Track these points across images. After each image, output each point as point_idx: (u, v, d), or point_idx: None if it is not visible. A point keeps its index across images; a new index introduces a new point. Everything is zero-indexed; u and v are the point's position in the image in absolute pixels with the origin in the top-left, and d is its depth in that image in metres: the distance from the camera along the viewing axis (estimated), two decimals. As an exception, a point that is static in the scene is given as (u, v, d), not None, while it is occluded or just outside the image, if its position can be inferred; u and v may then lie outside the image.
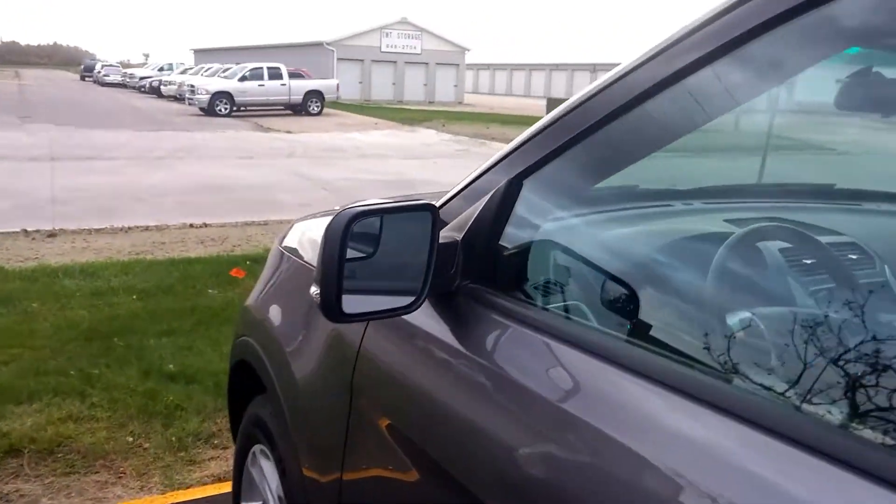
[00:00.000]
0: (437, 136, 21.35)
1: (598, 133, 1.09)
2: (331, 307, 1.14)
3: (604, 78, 1.09)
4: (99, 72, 53.29)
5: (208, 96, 25.89)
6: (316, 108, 27.91)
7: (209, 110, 25.60)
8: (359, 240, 1.15)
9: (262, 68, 27.33)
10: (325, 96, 28.43)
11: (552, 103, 32.57)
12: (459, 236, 1.29)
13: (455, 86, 48.37)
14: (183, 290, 5.52)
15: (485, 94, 70.30)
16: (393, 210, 1.20)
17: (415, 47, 46.56)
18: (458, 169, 14.19)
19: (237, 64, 29.85)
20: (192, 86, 27.34)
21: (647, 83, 1.01)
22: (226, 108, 25.88)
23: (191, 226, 8.08)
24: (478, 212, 1.27)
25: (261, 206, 9.40)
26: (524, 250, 1.29)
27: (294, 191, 10.76)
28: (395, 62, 46.02)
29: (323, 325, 1.67)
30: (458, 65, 48.65)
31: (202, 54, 56.66)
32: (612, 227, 1.45)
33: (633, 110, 1.04)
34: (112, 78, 50.17)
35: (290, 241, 2.14)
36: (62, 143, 15.54)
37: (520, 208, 1.25)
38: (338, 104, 31.05)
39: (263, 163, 13.87)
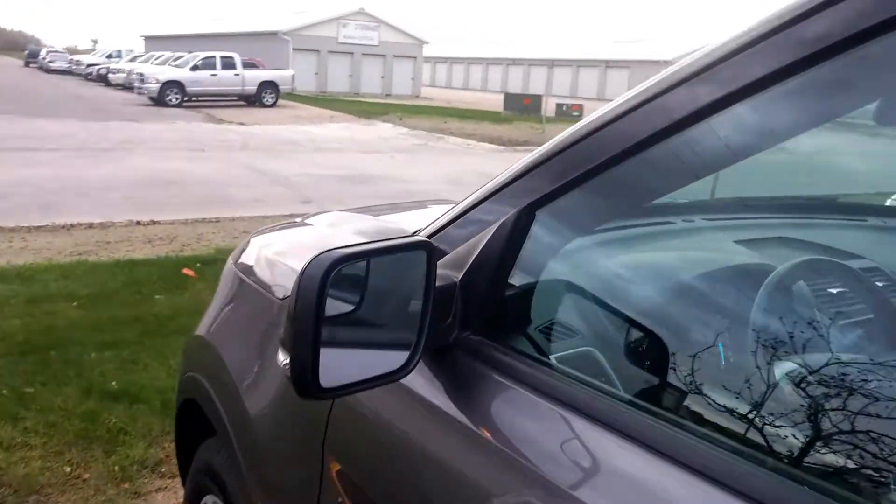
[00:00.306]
0: (394, 130, 21.09)
1: (634, 158, 0.90)
2: (305, 382, 0.91)
3: (639, 92, 0.90)
4: (44, 58, 51.43)
5: (158, 85, 25.10)
6: (270, 100, 27.33)
7: (159, 100, 24.83)
8: (337, 285, 0.93)
9: (214, 57, 26.65)
10: (280, 87, 27.87)
11: (509, 98, 32.58)
12: (458, 277, 1.08)
13: (412, 79, 48.01)
14: (128, 295, 5.19)
15: (442, 87, 70.04)
16: (382, 251, 0.99)
17: (372, 39, 46.01)
18: (416, 164, 14.01)
19: (189, 52, 29.07)
20: (142, 74, 26.53)
21: (692, 105, 0.82)
22: (177, 98, 25.14)
23: (138, 223, 7.70)
24: (480, 247, 1.07)
25: (212, 201, 9.04)
26: (536, 296, 1.09)
27: (248, 186, 10.42)
28: (351, 53, 45.41)
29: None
30: (415, 57, 48.28)
31: (153, 41, 55.15)
32: (630, 265, 1.25)
33: (673, 135, 0.86)
34: (58, 64, 48.48)
35: (246, 259, 1.90)
36: (4, 132, 14.82)
37: (531, 245, 1.06)
38: (293, 96, 30.52)
39: (215, 156, 13.44)
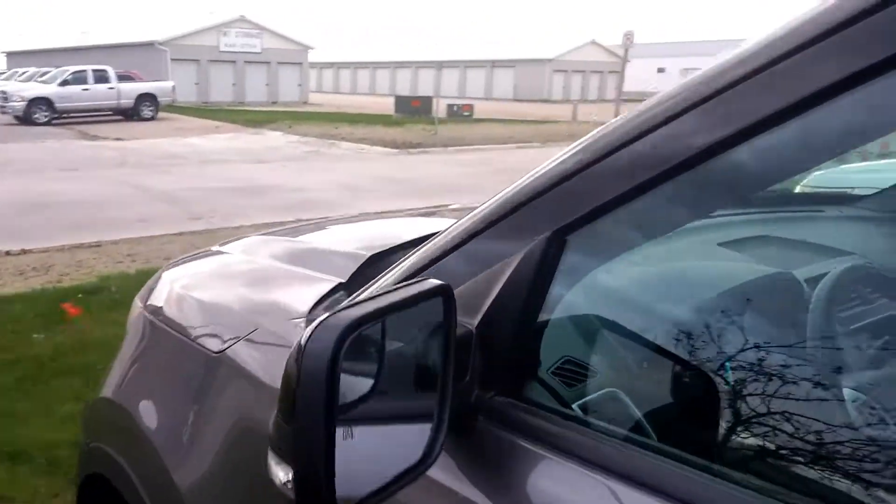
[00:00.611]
0: (283, 139, 20.51)
1: (694, 170, 0.74)
2: (318, 498, 0.68)
3: (695, 86, 0.74)
4: None
5: (24, 103, 23.50)
6: (150, 113, 26.14)
7: (25, 118, 23.25)
8: (349, 358, 0.70)
9: (86, 71, 25.27)
10: (160, 99, 26.72)
11: (400, 101, 32.40)
12: (472, 323, 0.87)
13: (299, 85, 47.05)
14: (0, 336, 4.67)
15: (329, 92, 69.12)
16: (399, 304, 0.76)
17: (255, 46, 44.74)
18: (310, 171, 13.63)
19: (57, 67, 27.34)
20: (5, 92, 24.66)
21: (769, 104, 0.67)
22: (45, 116, 23.62)
23: (7, 253, 7.01)
24: (500, 283, 0.87)
25: (91, 224, 8.40)
26: (577, 341, 0.91)
27: (130, 205, 9.77)
28: (234, 62, 44.01)
29: (231, 424, 1.23)
30: (301, 63, 47.34)
31: (16, 57, 51.63)
32: (649, 287, 1.07)
33: (741, 143, 0.70)
34: None
35: (158, 299, 1.63)
36: None
37: (562, 277, 0.86)
38: (174, 107, 29.23)
39: (91, 174, 12.59)
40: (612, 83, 58.43)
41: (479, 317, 0.87)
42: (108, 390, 1.65)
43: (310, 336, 0.67)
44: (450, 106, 30.24)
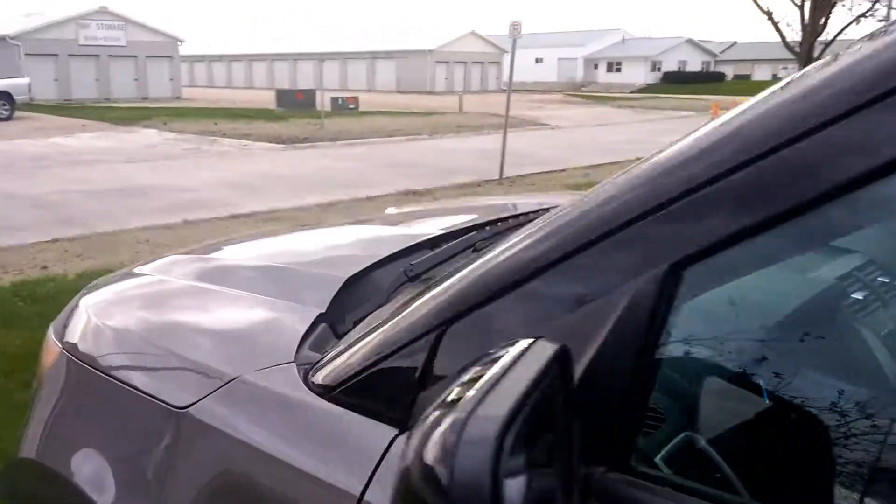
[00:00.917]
0: (159, 136, 19.43)
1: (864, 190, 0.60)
2: None
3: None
4: None
5: None
6: (5, 112, 24.21)
7: None
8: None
9: (-73, 67, 22.98)
10: (16, 98, 24.75)
11: (282, 94, 31.47)
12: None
13: (171, 79, 44.91)
14: None
15: (203, 87, 66.49)
16: (533, 386, 0.56)
17: (119, 39, 42.27)
18: (192, 170, 12.96)
19: None
20: None
21: None
22: None
23: None
24: (604, 331, 0.67)
25: (-51, 236, 7.54)
26: (702, 402, 0.75)
27: (-8, 213, 8.89)
28: (97, 56, 41.42)
29: (206, 484, 1.02)
30: (171, 57, 45.21)
31: None
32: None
33: None
34: None
35: (80, 335, 1.35)
36: None
37: (676, 318, 0.68)
38: (32, 106, 27.17)
39: (-56, 181, 11.41)
40: (493, 74, 59.42)
41: (578, 373, 0.68)
42: (29, 449, 1.35)
43: (453, 464, 0.49)
44: (334, 99, 29.68)
